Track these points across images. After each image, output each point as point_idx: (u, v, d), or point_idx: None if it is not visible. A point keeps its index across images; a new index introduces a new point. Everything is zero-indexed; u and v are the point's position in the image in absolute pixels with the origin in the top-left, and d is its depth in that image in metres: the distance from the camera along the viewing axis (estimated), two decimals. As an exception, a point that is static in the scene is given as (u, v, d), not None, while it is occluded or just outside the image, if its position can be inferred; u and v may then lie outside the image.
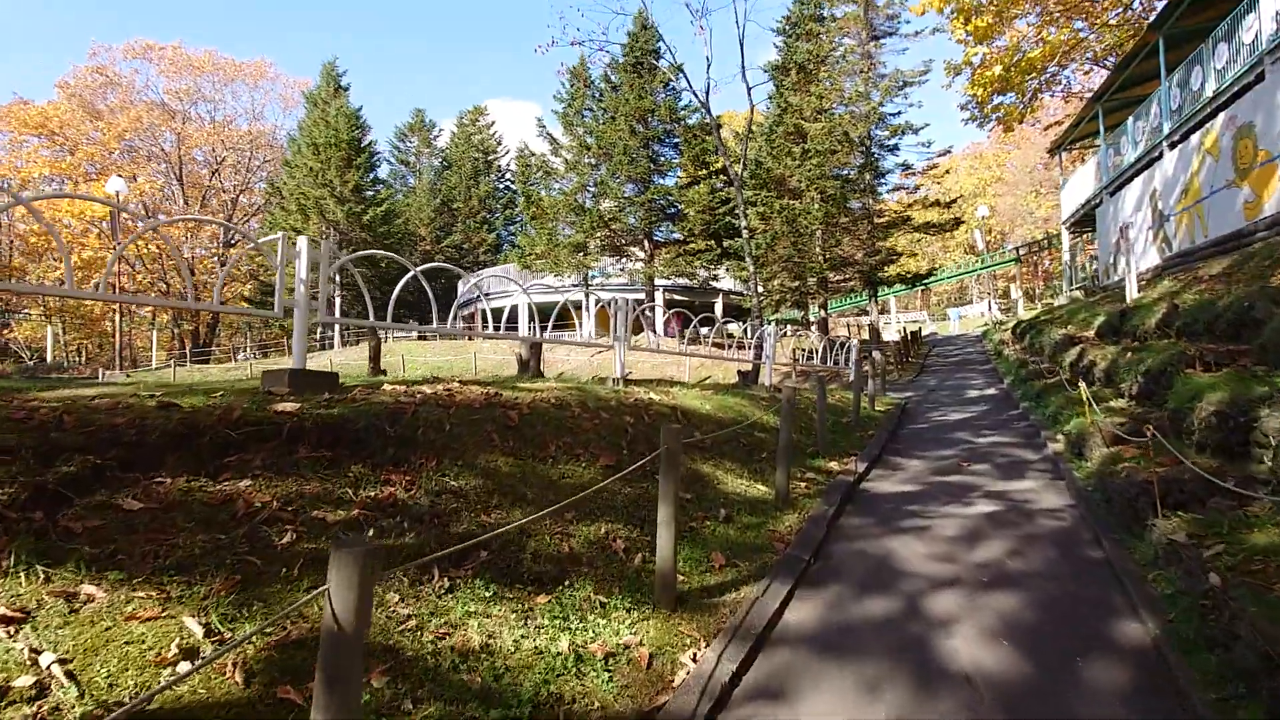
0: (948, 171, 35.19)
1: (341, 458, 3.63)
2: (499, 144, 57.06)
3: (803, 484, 6.04)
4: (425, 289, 5.47)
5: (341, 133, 32.56)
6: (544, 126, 27.06)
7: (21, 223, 44.05)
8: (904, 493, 6.13)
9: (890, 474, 6.98)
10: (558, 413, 5.26)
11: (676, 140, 27.99)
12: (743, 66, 18.31)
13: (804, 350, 19.89)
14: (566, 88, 27.50)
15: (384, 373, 6.88)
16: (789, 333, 24.50)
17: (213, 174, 50.35)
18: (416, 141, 58.35)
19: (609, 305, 7.35)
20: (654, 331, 27.62)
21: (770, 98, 24.15)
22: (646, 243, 27.91)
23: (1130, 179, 17.88)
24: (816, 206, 21.88)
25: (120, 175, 45.66)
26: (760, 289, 26.79)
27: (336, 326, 36.11)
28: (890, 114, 22.85)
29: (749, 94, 15.14)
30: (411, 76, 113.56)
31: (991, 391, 13.22)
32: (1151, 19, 16.70)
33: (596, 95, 27.45)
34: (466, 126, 56.87)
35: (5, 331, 51.64)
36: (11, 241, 46.74)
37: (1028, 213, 56.76)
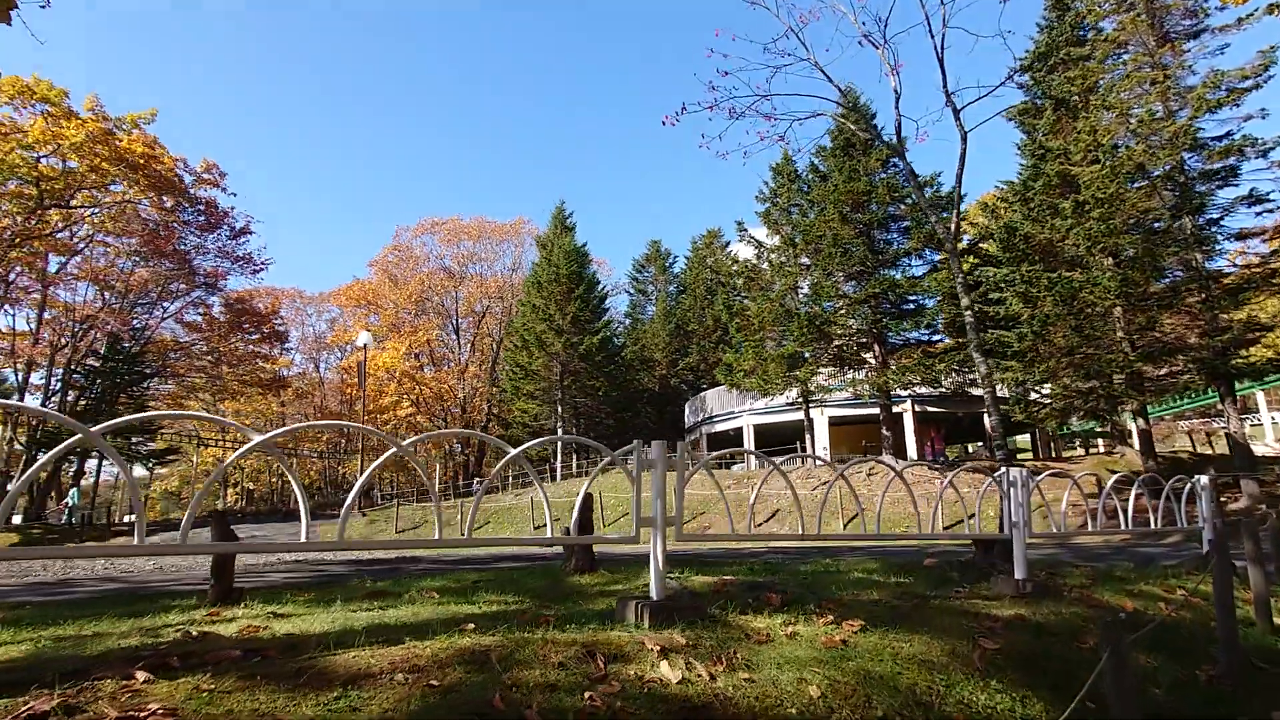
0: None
1: None
2: (733, 263, 56.28)
3: None
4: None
5: (561, 268, 33.67)
6: (744, 229, 24.48)
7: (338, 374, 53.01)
8: None
9: None
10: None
11: (906, 224, 23.51)
12: (944, 87, 13.66)
13: (1112, 475, 13.34)
14: (770, 185, 24.94)
15: (231, 597, 4.04)
16: (1094, 449, 17.57)
17: (479, 321, 56.85)
18: (653, 270, 60.38)
19: (625, 463, 3.80)
20: (891, 453, 22.14)
21: (1019, 147, 18.84)
22: (877, 347, 23.10)
23: None
24: (1108, 275, 15.73)
25: (411, 329, 53.61)
26: (1034, 394, 20.26)
27: (563, 451, 35.72)
28: (1212, 137, 16.26)
29: (957, 117, 10.90)
30: (665, 216, 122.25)
31: None
32: None
33: (803, 188, 24.39)
34: (700, 250, 57.51)
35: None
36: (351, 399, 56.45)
37: None
